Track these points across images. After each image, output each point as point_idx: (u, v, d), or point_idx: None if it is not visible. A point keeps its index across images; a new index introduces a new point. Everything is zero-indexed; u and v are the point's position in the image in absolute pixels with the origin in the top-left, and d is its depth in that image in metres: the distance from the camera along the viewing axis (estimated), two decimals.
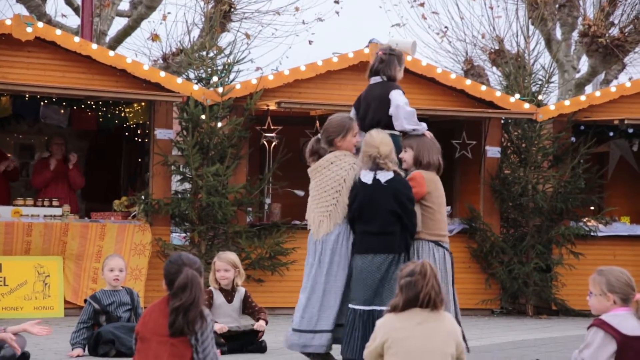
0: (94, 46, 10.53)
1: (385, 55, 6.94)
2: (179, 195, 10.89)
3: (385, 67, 6.91)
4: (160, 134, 10.66)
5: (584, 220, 11.74)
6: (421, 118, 11.99)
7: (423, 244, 6.44)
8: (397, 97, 6.73)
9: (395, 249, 6.38)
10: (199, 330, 4.54)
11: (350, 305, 6.43)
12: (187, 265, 4.59)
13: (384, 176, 6.44)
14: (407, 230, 6.40)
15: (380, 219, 6.43)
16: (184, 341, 4.55)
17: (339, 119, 6.81)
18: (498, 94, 11.72)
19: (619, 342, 4.75)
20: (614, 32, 16.70)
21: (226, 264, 7.55)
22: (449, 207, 11.78)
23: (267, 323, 7.50)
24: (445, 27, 18.95)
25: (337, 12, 18.52)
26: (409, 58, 11.40)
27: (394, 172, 6.45)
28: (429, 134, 6.68)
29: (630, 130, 12.06)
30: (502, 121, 11.81)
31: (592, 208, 12.18)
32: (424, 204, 6.48)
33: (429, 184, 6.50)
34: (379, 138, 6.50)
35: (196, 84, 10.98)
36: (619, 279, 4.85)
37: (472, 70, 17.90)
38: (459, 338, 4.57)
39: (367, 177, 6.48)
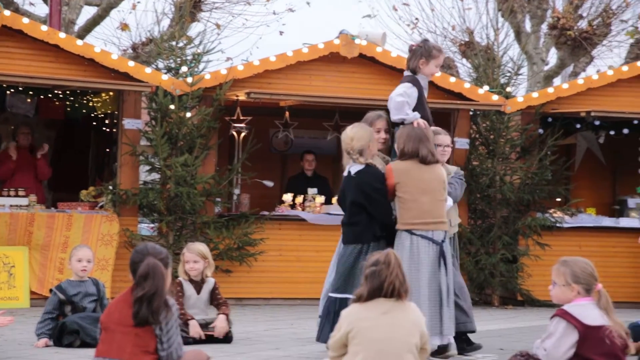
0: (62, 35, 10.44)
1: (412, 47, 7.03)
2: (147, 186, 10.85)
3: (409, 59, 7.03)
4: (129, 123, 10.60)
5: (551, 211, 11.84)
6: (384, 108, 12.09)
7: (398, 233, 6.48)
8: (395, 90, 6.79)
9: (361, 240, 6.43)
10: (164, 320, 4.53)
11: (329, 294, 6.51)
12: (152, 255, 4.59)
13: (355, 169, 6.54)
14: (374, 220, 6.44)
15: (347, 210, 6.53)
16: (149, 331, 4.55)
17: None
18: (467, 85, 11.77)
19: (581, 332, 4.81)
20: (583, 24, 16.83)
21: (195, 255, 7.53)
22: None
23: (228, 316, 7.46)
24: (416, 18, 19.01)
25: (308, 3, 18.51)
26: (378, 49, 11.42)
27: (368, 164, 6.51)
28: (420, 123, 6.65)
29: (597, 123, 12.17)
30: (471, 113, 11.87)
31: (558, 199, 12.28)
32: (397, 194, 6.52)
33: (399, 175, 6.51)
34: (352, 133, 6.65)
35: (165, 73, 10.93)
36: (584, 270, 4.91)
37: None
38: (423, 328, 4.60)
39: (345, 171, 6.63)
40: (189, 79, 10.72)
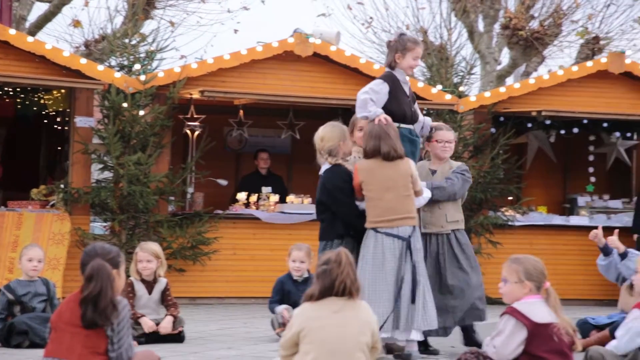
0: (12, 31, 10.30)
1: (389, 43, 6.97)
2: (100, 184, 10.75)
3: (386, 55, 6.99)
4: (81, 121, 10.50)
5: (502, 210, 11.97)
6: (344, 108, 12.11)
7: (366, 232, 6.51)
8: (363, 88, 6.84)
9: (325, 237, 6.53)
10: (115, 321, 4.50)
11: None
12: (100, 255, 4.57)
13: (323, 168, 6.58)
14: (338, 219, 6.51)
15: (315, 208, 6.80)
16: (99, 332, 4.51)
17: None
18: (420, 84, 11.85)
19: (530, 330, 4.88)
20: (534, 25, 17.02)
21: (148, 255, 7.48)
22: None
23: (175, 318, 7.42)
24: (371, 17, 19.07)
25: (263, 1, 18.47)
26: (332, 48, 11.45)
27: (336, 164, 6.53)
28: (381, 119, 6.57)
29: (548, 122, 12.32)
30: (424, 112, 11.93)
31: (510, 198, 12.41)
32: (363, 193, 6.54)
33: (363, 173, 6.53)
34: (322, 133, 6.73)
35: (118, 71, 10.83)
36: (536, 268, 4.98)
37: None
38: (375, 327, 4.62)
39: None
40: (142, 77, 10.64)
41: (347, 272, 4.50)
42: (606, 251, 6.99)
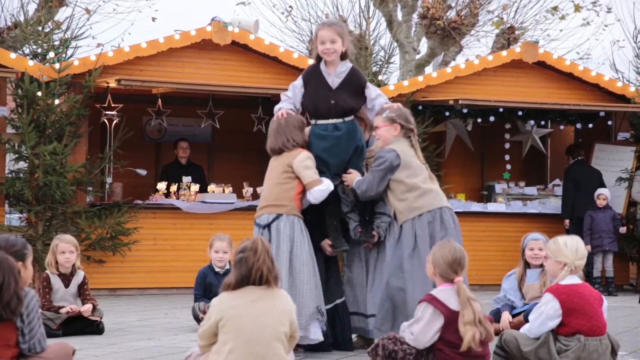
0: None
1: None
2: (15, 175, 10.52)
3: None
4: None
5: None
6: (264, 97, 12.09)
7: None
8: None
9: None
10: (24, 312, 4.42)
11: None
12: (3, 248, 4.48)
13: None
14: None
15: None
16: (8, 325, 4.42)
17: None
18: None
19: (446, 317, 4.96)
20: (452, 14, 17.24)
21: (70, 245, 7.37)
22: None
23: (94, 308, 7.33)
24: (290, 6, 19.06)
25: None
26: (251, 37, 11.41)
27: None
28: (278, 115, 6.48)
29: (465, 111, 12.51)
30: None
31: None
32: None
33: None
34: None
35: (31, 59, 10.60)
36: (443, 257, 5.07)
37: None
38: (293, 316, 4.62)
39: None
40: (57, 65, 10.44)
41: (263, 260, 4.49)
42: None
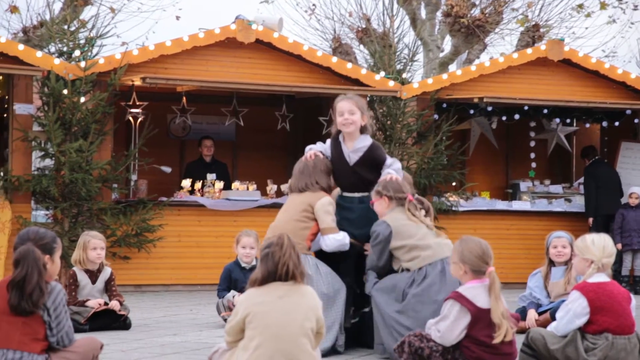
0: None
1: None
2: (41, 172, 10.59)
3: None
4: (20, 108, 10.32)
5: (446, 195, 12.10)
6: (288, 95, 12.12)
7: None
8: None
9: None
10: (50, 307, 4.45)
11: None
12: (32, 240, 4.53)
13: None
14: None
15: None
16: (36, 319, 4.47)
17: None
18: (363, 71, 11.89)
19: (473, 314, 4.95)
20: (476, 12, 17.17)
21: (102, 242, 7.43)
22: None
23: (121, 304, 7.37)
24: (314, 4, 19.06)
25: None
26: (275, 35, 11.42)
27: None
28: (307, 155, 6.44)
29: (490, 109, 12.46)
30: (368, 98, 11.99)
31: (453, 184, 12.55)
32: None
33: None
34: None
35: (57, 57, 10.67)
36: (472, 251, 5.05)
37: (340, 48, 18.07)
38: (320, 312, 4.63)
39: None
40: (82, 64, 10.50)
41: (289, 255, 4.50)
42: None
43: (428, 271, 6.08)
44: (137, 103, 11.23)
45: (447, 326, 4.97)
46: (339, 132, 6.41)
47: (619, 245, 11.46)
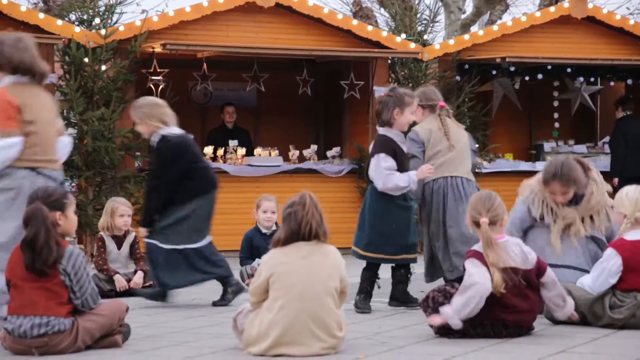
0: None
1: (381, 97, 6.43)
2: None
3: (380, 111, 6.36)
4: None
5: None
6: (308, 59, 12.05)
7: None
8: (372, 165, 6.33)
9: None
10: (71, 271, 4.48)
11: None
12: (41, 198, 4.57)
13: None
14: None
15: None
16: (59, 284, 4.50)
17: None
18: (384, 34, 11.80)
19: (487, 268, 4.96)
20: None
21: (129, 209, 7.50)
22: (338, 148, 11.93)
23: (145, 272, 7.40)
24: None
25: None
26: None
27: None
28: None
29: (512, 69, 12.34)
30: (389, 61, 11.91)
31: (477, 145, 12.45)
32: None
33: None
34: None
35: (77, 26, 10.66)
36: (470, 204, 5.14)
37: (360, 12, 17.94)
38: (343, 271, 4.63)
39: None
40: (103, 31, 10.49)
41: (312, 214, 4.49)
42: None
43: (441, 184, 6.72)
44: (158, 70, 11.21)
45: (478, 276, 4.94)
46: (389, 124, 6.38)
47: None
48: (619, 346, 4.87)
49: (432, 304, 5.01)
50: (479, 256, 4.98)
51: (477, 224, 5.02)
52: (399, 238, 6.37)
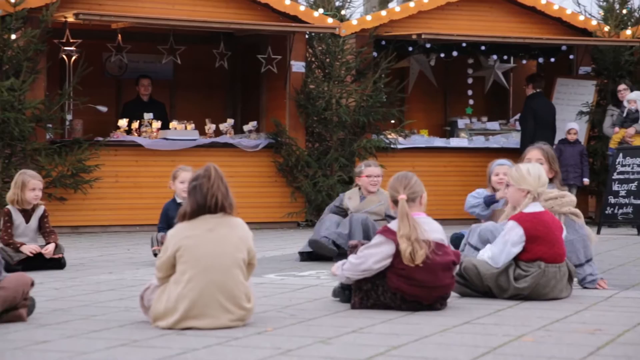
0: None
1: None
2: None
3: None
4: None
5: (385, 133, 12.13)
6: (226, 32, 11.93)
7: None
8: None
9: None
10: None
11: None
12: None
13: None
14: None
15: None
16: None
17: None
18: (302, 8, 11.77)
19: (395, 243, 5.03)
20: None
21: (40, 183, 7.30)
22: (255, 123, 11.91)
23: (57, 246, 7.27)
24: None
25: None
26: None
27: None
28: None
29: (428, 46, 12.46)
30: (307, 36, 11.90)
31: (392, 121, 12.59)
32: None
33: None
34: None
35: None
36: (389, 184, 5.15)
37: None
38: (250, 243, 4.63)
39: None
40: None
41: (217, 186, 4.47)
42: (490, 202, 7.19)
43: None
44: (71, 41, 10.98)
45: (369, 252, 5.05)
46: None
47: None
48: (521, 317, 5.01)
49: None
50: (387, 233, 5.04)
51: (396, 203, 5.07)
52: None
